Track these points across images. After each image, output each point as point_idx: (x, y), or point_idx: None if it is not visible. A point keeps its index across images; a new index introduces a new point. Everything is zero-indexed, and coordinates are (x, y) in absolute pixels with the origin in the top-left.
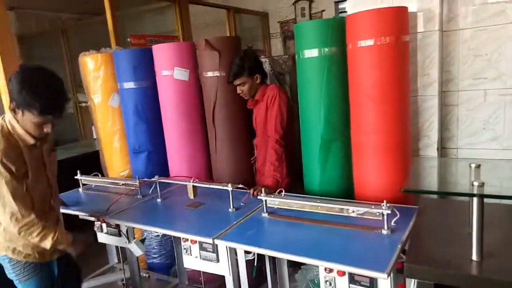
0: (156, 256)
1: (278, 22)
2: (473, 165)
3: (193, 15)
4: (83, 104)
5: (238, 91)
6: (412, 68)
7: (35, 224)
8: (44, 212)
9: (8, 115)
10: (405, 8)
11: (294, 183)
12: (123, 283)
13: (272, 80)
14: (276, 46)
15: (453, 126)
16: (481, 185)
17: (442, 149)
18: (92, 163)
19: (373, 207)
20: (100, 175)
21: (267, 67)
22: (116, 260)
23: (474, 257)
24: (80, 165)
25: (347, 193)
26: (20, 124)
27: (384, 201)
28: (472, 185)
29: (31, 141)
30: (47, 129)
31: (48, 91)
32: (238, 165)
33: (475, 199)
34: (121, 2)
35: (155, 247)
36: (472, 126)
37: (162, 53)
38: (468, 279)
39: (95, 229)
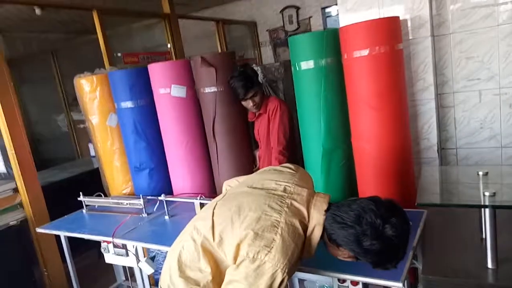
0: None
1: (267, 30)
2: (480, 173)
3: (181, 27)
4: (81, 126)
5: (251, 104)
6: (408, 73)
7: None
8: None
9: (317, 220)
10: (397, 18)
11: None
12: None
13: (266, 88)
14: (266, 54)
15: (451, 127)
16: (493, 195)
17: (442, 150)
18: (93, 180)
19: None
20: (102, 195)
21: (259, 75)
22: (123, 278)
23: (490, 264)
24: (81, 184)
25: None
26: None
27: None
28: (484, 195)
29: None
30: None
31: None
32: None
33: (487, 209)
34: (110, 21)
35: (162, 263)
36: (469, 126)
37: (159, 71)
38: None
39: (102, 250)
